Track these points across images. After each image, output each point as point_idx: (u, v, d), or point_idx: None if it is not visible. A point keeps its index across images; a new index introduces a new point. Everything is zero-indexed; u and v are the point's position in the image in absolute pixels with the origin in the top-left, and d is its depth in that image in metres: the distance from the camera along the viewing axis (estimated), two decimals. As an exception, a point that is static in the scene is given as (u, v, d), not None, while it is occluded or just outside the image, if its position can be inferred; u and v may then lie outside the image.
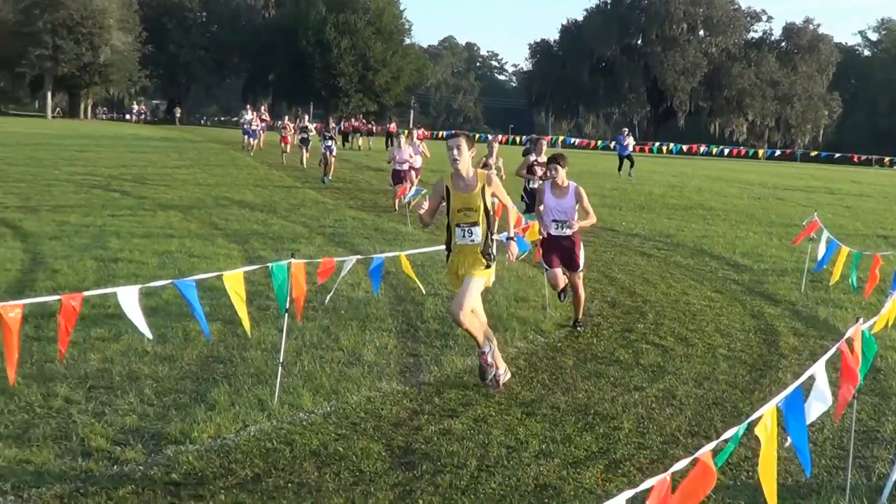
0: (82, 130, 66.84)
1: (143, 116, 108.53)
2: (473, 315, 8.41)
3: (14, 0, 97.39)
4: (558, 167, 11.07)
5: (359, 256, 9.75)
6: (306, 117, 43.64)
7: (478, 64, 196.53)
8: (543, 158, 17.89)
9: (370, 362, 9.22)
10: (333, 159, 32.98)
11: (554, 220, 11.11)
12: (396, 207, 23.80)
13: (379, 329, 10.60)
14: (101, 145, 47.09)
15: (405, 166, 25.05)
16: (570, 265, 11.21)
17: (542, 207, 11.35)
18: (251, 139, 47.38)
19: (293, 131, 41.52)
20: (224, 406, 7.56)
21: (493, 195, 8.43)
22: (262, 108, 56.55)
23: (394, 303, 12.19)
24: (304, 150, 37.67)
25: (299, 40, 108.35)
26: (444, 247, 8.72)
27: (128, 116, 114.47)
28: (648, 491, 3.78)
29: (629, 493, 3.75)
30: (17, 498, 5.76)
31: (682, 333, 11.36)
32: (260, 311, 11.03)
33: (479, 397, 8.36)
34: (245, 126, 48.32)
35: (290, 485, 6.18)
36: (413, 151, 26.03)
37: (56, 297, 6.52)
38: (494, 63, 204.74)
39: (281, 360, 8.07)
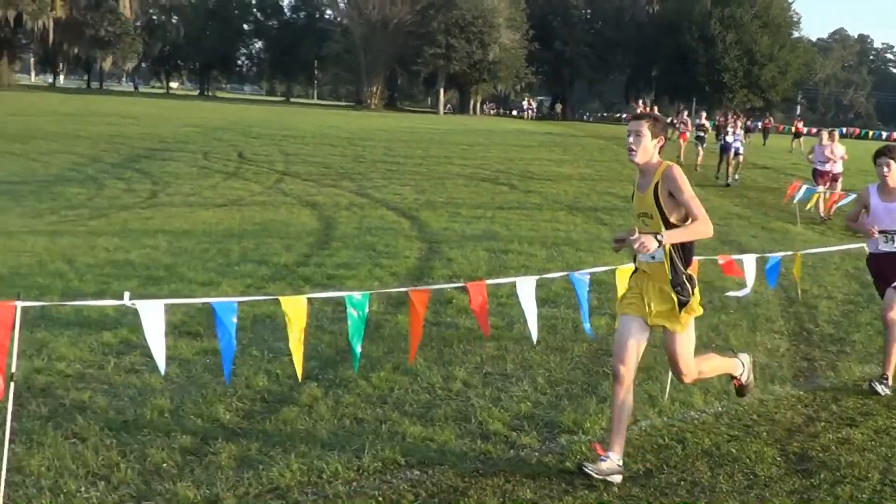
0: (471, 126, 69.53)
1: (530, 112, 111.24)
2: (700, 361, 6.47)
3: (411, 2, 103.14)
4: (891, 162, 8.52)
5: (756, 255, 9.46)
6: (703, 115, 42.62)
7: (871, 57, 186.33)
8: None
9: (762, 364, 8.94)
10: (735, 160, 31.18)
11: (882, 232, 8.53)
12: (821, 213, 21.53)
13: (770, 331, 10.30)
14: (489, 140, 48.79)
15: (827, 166, 23.13)
16: (890, 280, 8.55)
17: (864, 217, 8.86)
18: None
19: (690, 128, 40.41)
20: (615, 399, 7.62)
21: (671, 196, 6.07)
22: (649, 102, 55.24)
23: (784, 304, 11.77)
24: (700, 148, 36.66)
25: (682, 35, 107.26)
26: (840, 247, 7.80)
27: (515, 112, 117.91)
28: None
29: None
30: (422, 473, 6.08)
31: None
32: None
33: (880, 407, 7.92)
34: None
35: (682, 483, 6.13)
36: (837, 152, 23.29)
37: (460, 284, 6.86)
38: (889, 56, 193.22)
39: (671, 358, 8.03)
